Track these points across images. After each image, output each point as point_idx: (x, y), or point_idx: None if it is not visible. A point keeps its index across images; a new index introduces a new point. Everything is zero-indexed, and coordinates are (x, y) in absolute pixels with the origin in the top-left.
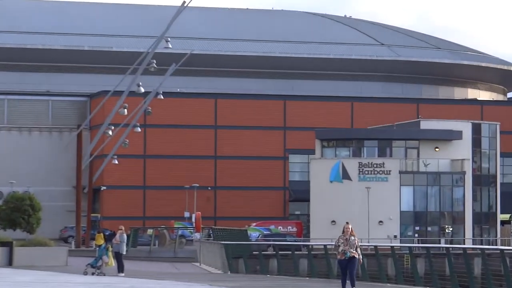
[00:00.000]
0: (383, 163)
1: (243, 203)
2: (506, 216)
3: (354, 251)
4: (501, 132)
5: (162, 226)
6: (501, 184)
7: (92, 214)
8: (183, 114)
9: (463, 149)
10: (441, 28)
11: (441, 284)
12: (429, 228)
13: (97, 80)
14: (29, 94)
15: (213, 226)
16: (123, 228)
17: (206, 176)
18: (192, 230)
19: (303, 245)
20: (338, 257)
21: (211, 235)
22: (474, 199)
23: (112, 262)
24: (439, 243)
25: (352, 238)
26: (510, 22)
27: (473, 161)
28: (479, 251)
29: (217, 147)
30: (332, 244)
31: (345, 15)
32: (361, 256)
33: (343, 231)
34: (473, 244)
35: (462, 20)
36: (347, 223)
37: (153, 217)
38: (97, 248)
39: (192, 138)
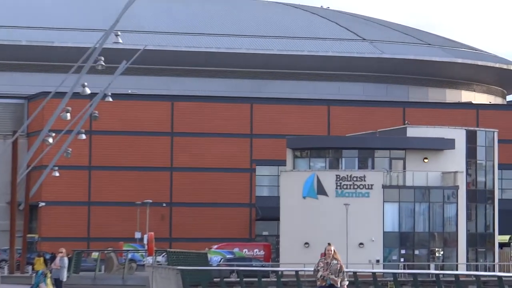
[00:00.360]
0: (364, 176)
1: (203, 222)
2: (505, 238)
3: (336, 277)
4: (499, 141)
5: (109, 249)
6: (500, 200)
7: (29, 235)
8: (135, 119)
9: (456, 160)
10: (434, 23)
11: None
12: (416, 252)
13: (36, 80)
14: None
15: (168, 249)
16: (64, 251)
17: (161, 190)
18: (143, 254)
19: (272, 271)
20: (318, 283)
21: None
22: (469, 218)
23: None
24: (428, 269)
25: (335, 262)
26: (509, 18)
27: (467, 174)
28: (474, 278)
29: (174, 157)
30: (304, 270)
31: (321, 6)
32: (346, 282)
33: (325, 253)
34: (467, 270)
35: (457, 15)
36: (329, 244)
37: (99, 238)
38: (34, 274)
39: (145, 146)
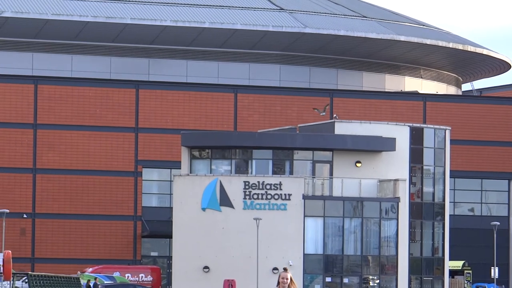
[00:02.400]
0: (280, 184)
1: (75, 238)
2: (458, 264)
3: None
4: (452, 142)
5: None
6: (452, 217)
7: None
8: None
9: (396, 165)
10: None
11: None
12: (345, 280)
13: None
14: None
15: (30, 272)
16: None
17: (21, 197)
18: None
19: None
20: None
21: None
22: (412, 238)
23: None
24: None
25: None
26: None
27: (411, 182)
28: None
29: (37, 156)
30: None
31: None
32: None
33: (278, 283)
34: None
35: None
36: (285, 270)
37: None
38: None
39: (0, 141)
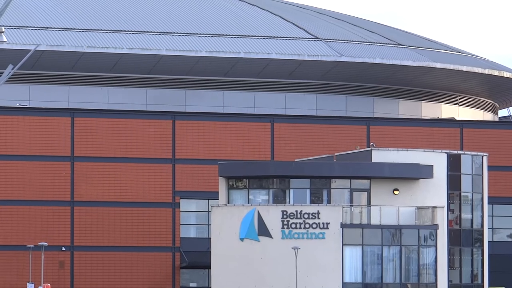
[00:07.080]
0: (318, 213)
1: (113, 270)
2: None
3: None
4: (489, 168)
5: None
6: (490, 243)
7: None
8: (24, 139)
9: (434, 192)
10: (406, 18)
11: None
12: None
13: None
14: None
15: None
16: None
17: (59, 230)
18: None
19: None
20: None
21: None
22: (451, 265)
23: None
24: None
25: None
26: (500, 12)
27: (449, 209)
28: None
29: (75, 189)
30: None
31: None
32: None
33: None
34: None
35: (434, 8)
36: None
37: None
38: None
39: (37, 174)
